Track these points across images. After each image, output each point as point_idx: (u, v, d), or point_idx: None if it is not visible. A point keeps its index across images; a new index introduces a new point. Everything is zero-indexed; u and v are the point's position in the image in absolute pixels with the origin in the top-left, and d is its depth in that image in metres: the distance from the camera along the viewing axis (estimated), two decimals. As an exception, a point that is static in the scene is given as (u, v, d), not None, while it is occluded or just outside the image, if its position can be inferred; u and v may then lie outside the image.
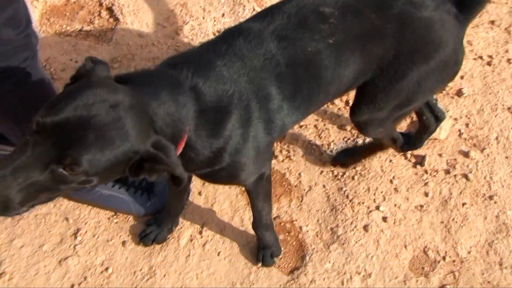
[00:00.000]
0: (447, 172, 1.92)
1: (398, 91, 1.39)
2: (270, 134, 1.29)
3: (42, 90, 1.44)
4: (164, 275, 1.70)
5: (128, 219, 1.82)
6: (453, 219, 1.82)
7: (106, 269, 1.71)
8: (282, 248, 1.76)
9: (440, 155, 1.96)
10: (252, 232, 1.77)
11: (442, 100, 2.11)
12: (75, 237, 1.77)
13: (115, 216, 1.82)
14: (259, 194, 1.52)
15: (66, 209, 1.82)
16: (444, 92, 2.13)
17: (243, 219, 1.82)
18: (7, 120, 1.47)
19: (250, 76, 1.21)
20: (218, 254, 1.75)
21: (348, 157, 1.93)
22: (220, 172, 1.26)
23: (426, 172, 1.93)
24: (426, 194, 1.87)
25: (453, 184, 1.90)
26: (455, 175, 1.91)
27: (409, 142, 1.86)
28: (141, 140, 0.97)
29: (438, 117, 1.80)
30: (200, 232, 1.79)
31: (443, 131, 1.99)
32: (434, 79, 1.39)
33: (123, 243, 1.76)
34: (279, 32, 1.25)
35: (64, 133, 0.91)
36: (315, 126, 2.05)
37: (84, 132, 0.91)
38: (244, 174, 1.33)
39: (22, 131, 1.47)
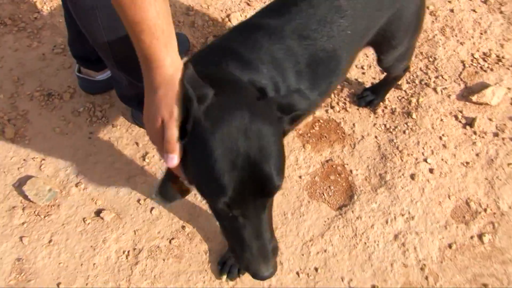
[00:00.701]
0: (496, 135, 2.13)
1: (406, 29, 1.62)
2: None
3: None
4: (222, 199, 1.98)
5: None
6: (497, 177, 2.03)
7: (170, 189, 2.00)
8: (332, 187, 2.02)
9: (490, 119, 2.18)
10: (306, 168, 2.03)
11: (497, 71, 2.32)
12: (143, 160, 2.06)
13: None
14: None
15: (136, 134, 2.12)
16: (500, 63, 2.34)
17: (298, 159, 2.08)
18: (98, 38, 1.72)
19: (274, 65, 1.26)
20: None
21: (373, 97, 2.18)
22: None
23: (475, 133, 2.14)
24: (473, 153, 2.09)
25: (500, 146, 2.11)
26: (503, 138, 2.12)
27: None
28: (277, 123, 1.01)
29: None
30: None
31: (495, 97, 2.20)
32: (422, 11, 1.67)
33: (186, 169, 2.05)
34: (300, 32, 1.31)
35: (247, 188, 0.94)
36: (372, 83, 2.29)
37: (256, 169, 0.94)
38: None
39: (113, 52, 1.75)
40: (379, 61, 1.79)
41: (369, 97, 2.20)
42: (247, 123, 0.94)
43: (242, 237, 0.99)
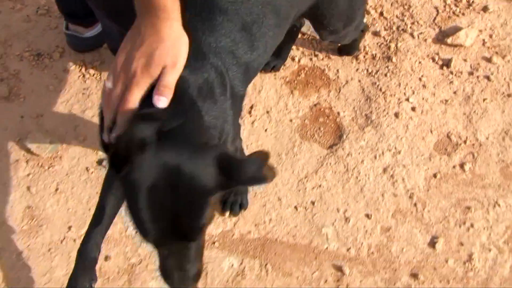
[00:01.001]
0: (471, 73, 2.28)
1: (338, 15, 1.72)
2: (239, 92, 1.36)
3: None
4: (218, 145, 2.07)
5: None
6: (474, 112, 2.18)
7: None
8: (322, 128, 2.14)
9: (464, 60, 2.32)
10: (295, 112, 2.14)
11: (469, 15, 2.46)
12: (138, 112, 2.13)
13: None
14: None
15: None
16: (470, 8, 2.48)
17: (287, 104, 2.18)
18: None
19: (213, 47, 1.26)
20: (265, 130, 2.12)
21: (349, 49, 2.29)
22: None
23: (451, 73, 2.28)
24: (451, 91, 2.23)
25: (475, 83, 2.25)
26: (477, 76, 2.27)
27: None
28: (211, 183, 0.99)
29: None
30: (249, 112, 2.15)
31: (469, 39, 2.34)
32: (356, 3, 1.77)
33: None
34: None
35: (169, 234, 0.98)
36: (352, 32, 2.41)
37: (179, 221, 0.97)
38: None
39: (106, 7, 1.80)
40: (320, 37, 1.88)
41: (344, 50, 2.30)
42: (178, 179, 0.95)
43: (166, 266, 1.04)
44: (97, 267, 1.61)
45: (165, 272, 1.06)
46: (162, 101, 1.00)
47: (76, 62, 2.22)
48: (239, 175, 0.97)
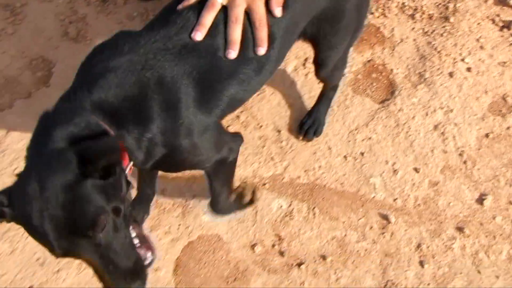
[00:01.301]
0: (532, 36, 2.20)
1: (344, 28, 1.52)
2: (210, 113, 1.26)
3: None
4: (272, 93, 2.09)
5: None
6: (533, 75, 2.11)
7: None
8: (374, 84, 2.12)
9: (526, 23, 2.24)
10: (348, 67, 2.13)
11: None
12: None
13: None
14: (217, 179, 1.52)
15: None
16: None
17: (341, 59, 2.17)
18: None
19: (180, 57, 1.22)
20: (318, 83, 2.11)
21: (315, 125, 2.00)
22: (169, 161, 1.26)
23: (511, 35, 2.21)
24: (510, 53, 2.16)
25: (536, 46, 2.18)
26: (539, 40, 2.19)
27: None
28: (77, 179, 1.01)
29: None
30: (304, 64, 2.15)
31: (531, 3, 2.25)
32: (363, 11, 1.61)
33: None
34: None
35: (68, 240, 1.00)
36: (410, -9, 2.35)
37: (67, 223, 0.99)
38: (195, 159, 1.31)
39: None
40: (317, 70, 1.72)
41: (310, 126, 2.00)
42: (42, 192, 0.98)
43: (94, 272, 1.06)
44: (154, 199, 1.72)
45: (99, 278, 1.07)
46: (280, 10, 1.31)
47: (139, 9, 2.27)
48: (91, 153, 1.00)
